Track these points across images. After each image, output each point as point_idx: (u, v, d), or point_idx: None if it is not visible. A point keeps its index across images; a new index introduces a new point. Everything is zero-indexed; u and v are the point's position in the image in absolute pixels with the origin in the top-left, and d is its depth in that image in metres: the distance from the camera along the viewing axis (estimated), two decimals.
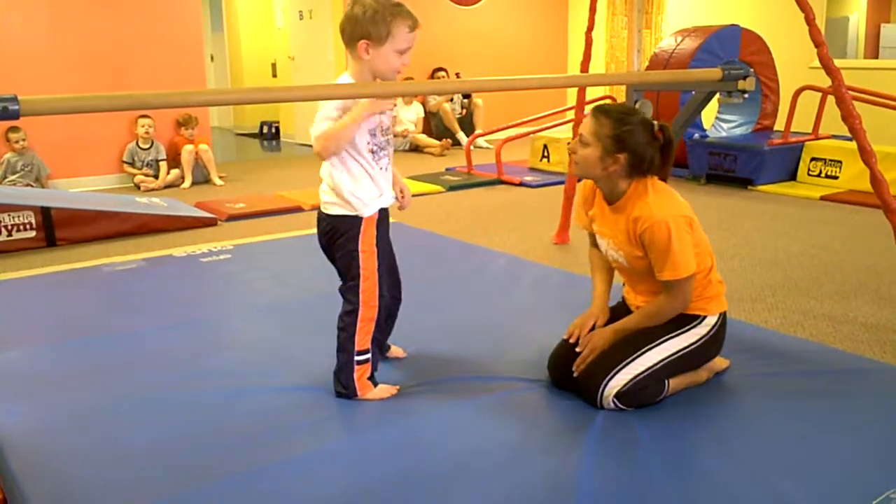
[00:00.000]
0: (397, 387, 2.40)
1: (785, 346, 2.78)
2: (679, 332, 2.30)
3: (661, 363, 2.25)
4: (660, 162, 2.29)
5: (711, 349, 2.37)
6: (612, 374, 2.22)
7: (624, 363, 2.23)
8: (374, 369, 2.39)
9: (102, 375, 2.59)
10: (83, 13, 6.48)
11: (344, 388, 2.34)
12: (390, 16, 2.17)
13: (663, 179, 2.32)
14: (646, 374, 2.23)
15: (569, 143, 2.40)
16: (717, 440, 2.14)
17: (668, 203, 2.25)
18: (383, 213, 2.37)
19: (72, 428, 2.24)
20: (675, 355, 2.27)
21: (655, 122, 2.30)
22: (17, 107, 1.67)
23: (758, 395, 2.37)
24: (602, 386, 2.22)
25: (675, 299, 2.26)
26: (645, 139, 2.25)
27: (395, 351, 2.62)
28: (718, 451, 2.06)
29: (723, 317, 2.37)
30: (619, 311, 2.47)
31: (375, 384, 2.38)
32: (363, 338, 2.31)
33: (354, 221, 2.28)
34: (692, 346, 2.30)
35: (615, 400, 2.22)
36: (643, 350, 2.26)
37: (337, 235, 2.30)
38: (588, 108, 4.88)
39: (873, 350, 2.88)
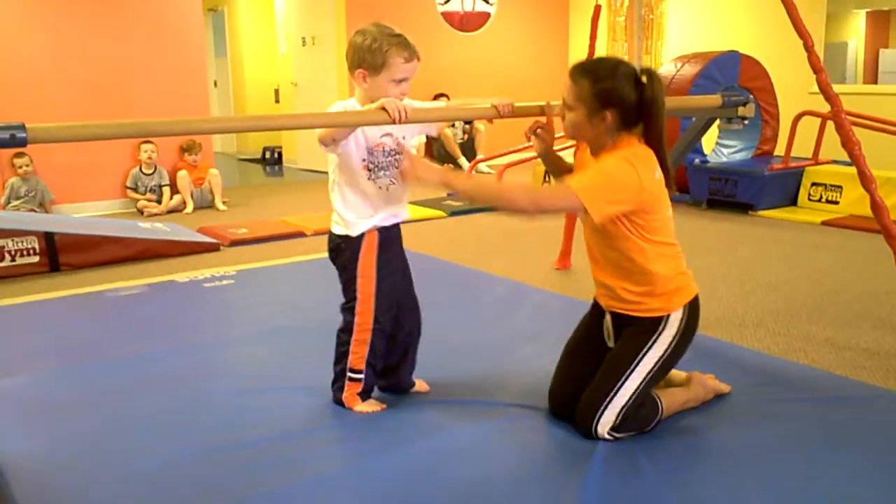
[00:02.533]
0: (383, 404, 2.47)
1: (787, 371, 2.78)
2: (649, 345, 2.23)
3: (644, 382, 2.22)
4: (648, 111, 2.17)
5: (686, 342, 2.29)
6: (599, 411, 2.19)
7: (609, 398, 2.20)
8: (367, 390, 2.46)
9: (105, 401, 2.60)
10: (87, 38, 6.54)
11: (336, 397, 2.48)
12: (387, 45, 2.22)
13: (658, 149, 2.19)
14: (633, 399, 2.20)
15: (558, 112, 2.33)
16: (718, 466, 2.13)
17: (633, 153, 2.16)
18: (387, 235, 2.39)
19: (74, 453, 2.24)
20: (655, 368, 2.23)
21: (638, 68, 2.21)
22: (24, 135, 1.69)
23: (759, 422, 2.36)
24: (594, 425, 2.20)
25: (547, 196, 2.19)
26: (629, 89, 2.17)
27: (420, 385, 2.62)
28: (719, 477, 2.06)
29: (689, 306, 2.28)
30: (591, 326, 2.43)
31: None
32: (356, 359, 2.41)
33: (352, 243, 2.36)
34: (667, 352, 2.24)
35: (611, 433, 2.20)
36: (623, 378, 2.21)
37: (338, 254, 2.41)
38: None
39: (876, 376, 2.87)
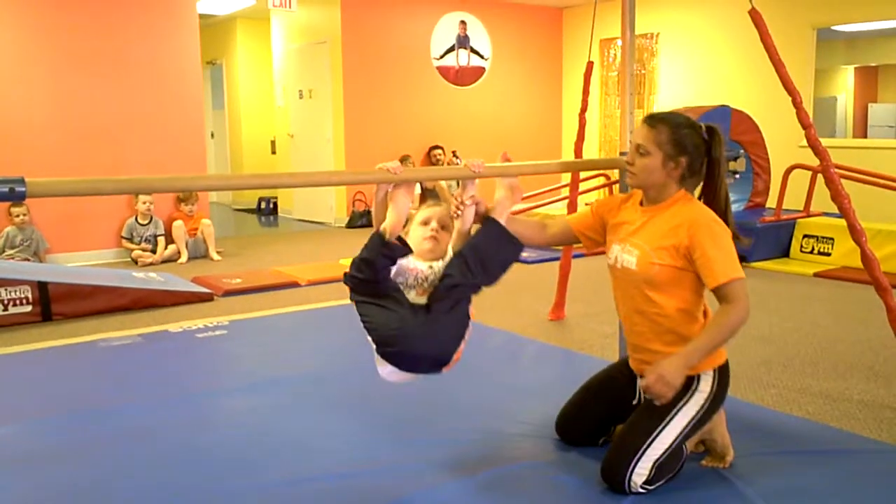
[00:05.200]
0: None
1: (781, 424, 2.78)
2: (682, 403, 2.26)
3: (678, 438, 2.25)
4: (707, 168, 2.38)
5: (719, 403, 2.35)
6: (633, 464, 2.20)
7: (642, 450, 2.21)
8: None
9: (96, 452, 2.58)
10: (86, 90, 6.62)
11: None
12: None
13: (717, 202, 2.44)
14: (665, 454, 2.22)
15: (625, 157, 2.44)
16: None
17: (713, 216, 2.34)
18: None
19: None
20: (689, 426, 2.26)
21: (703, 125, 2.36)
22: (23, 189, 1.70)
23: (755, 476, 2.35)
24: (627, 478, 2.20)
25: (737, 306, 2.20)
26: (700, 141, 2.34)
27: None
28: None
29: (719, 370, 2.35)
30: (617, 374, 2.52)
31: None
32: None
33: None
34: (701, 411, 2.28)
35: (644, 486, 2.20)
36: (657, 432, 2.23)
37: None
38: (584, 174, 4.91)
39: (870, 428, 2.87)
